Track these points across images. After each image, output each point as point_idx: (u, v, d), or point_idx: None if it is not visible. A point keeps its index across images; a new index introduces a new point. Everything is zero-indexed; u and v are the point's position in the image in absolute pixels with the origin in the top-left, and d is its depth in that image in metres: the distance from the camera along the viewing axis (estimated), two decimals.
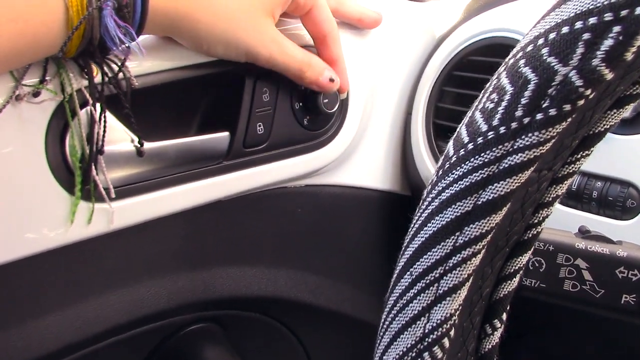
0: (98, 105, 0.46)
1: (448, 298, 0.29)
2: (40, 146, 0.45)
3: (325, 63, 0.56)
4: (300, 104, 0.58)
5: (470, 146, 0.28)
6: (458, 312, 0.29)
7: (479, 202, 0.28)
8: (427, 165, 0.65)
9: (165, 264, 0.57)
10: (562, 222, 0.44)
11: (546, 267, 0.39)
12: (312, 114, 0.59)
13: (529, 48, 0.26)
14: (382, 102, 0.67)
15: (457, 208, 0.28)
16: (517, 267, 0.32)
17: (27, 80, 0.44)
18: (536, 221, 0.31)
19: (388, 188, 0.70)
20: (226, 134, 0.55)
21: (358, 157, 0.66)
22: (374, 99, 0.65)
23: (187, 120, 0.57)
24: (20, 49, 0.41)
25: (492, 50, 0.61)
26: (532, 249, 0.32)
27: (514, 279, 0.32)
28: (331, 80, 0.55)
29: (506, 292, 0.32)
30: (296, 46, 0.54)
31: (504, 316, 0.33)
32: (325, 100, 0.58)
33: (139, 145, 0.49)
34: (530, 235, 0.31)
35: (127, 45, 0.44)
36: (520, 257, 0.32)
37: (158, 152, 0.51)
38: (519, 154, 0.27)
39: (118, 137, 0.50)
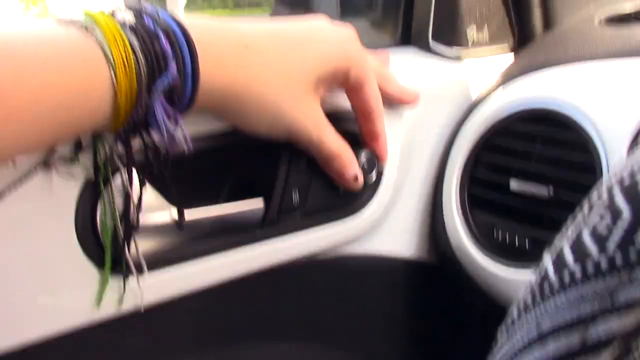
0: (135, 176, 0.41)
1: None
2: (70, 218, 0.40)
3: (355, 159, 0.52)
4: None
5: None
6: None
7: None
8: (460, 236, 0.61)
9: (187, 345, 0.51)
10: None
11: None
12: None
13: None
14: (412, 167, 0.63)
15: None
16: None
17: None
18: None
19: (416, 256, 0.66)
20: (260, 199, 0.50)
21: (387, 225, 0.62)
22: (407, 163, 0.62)
23: (218, 184, 0.52)
24: (59, 137, 0.36)
25: (535, 119, 0.58)
26: None
27: None
28: (355, 179, 0.52)
29: None
30: (335, 135, 0.50)
31: None
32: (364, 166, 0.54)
33: (176, 217, 0.44)
34: None
35: (172, 134, 0.39)
36: None
37: (191, 221, 0.46)
38: None
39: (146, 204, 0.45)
